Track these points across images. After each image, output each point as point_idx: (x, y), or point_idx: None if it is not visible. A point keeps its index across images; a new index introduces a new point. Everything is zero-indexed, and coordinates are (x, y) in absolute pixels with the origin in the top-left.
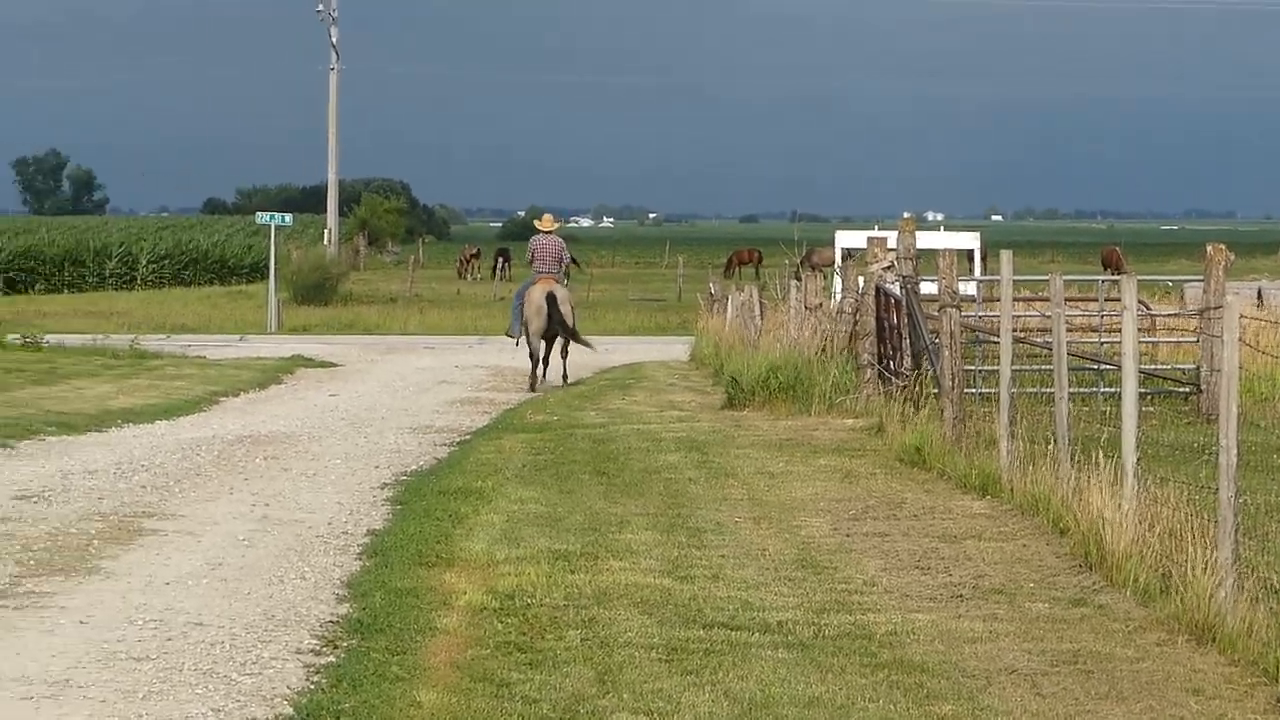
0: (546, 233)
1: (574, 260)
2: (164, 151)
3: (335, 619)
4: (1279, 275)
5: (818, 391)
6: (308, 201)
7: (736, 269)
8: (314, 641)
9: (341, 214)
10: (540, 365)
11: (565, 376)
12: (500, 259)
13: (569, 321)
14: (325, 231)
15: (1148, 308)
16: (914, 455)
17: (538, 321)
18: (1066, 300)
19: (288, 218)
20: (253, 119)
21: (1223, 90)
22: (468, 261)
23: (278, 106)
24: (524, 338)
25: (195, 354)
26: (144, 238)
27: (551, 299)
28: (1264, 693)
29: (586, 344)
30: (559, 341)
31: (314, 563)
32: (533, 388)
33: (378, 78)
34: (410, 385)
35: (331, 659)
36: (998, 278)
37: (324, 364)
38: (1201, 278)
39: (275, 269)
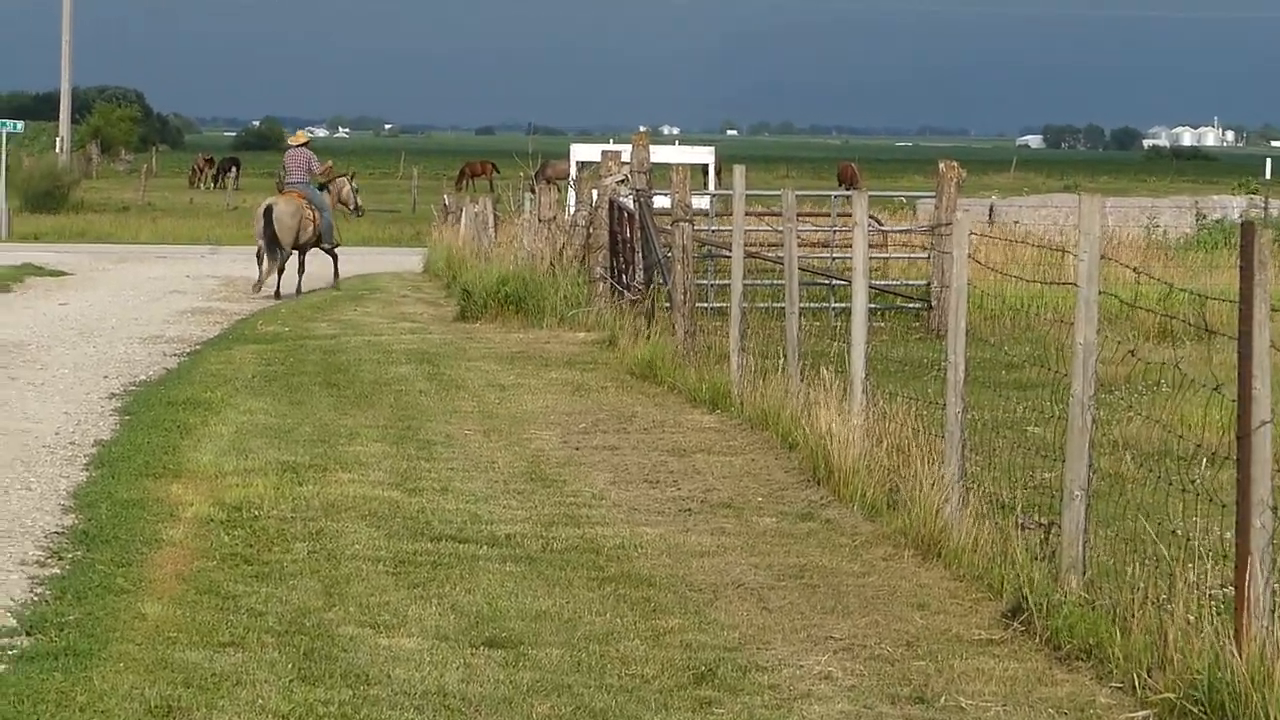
0: (297, 146)
1: (326, 172)
2: None
3: (60, 530)
4: (1010, 193)
5: (550, 305)
6: (40, 108)
7: (469, 181)
8: (39, 553)
9: (75, 122)
10: (272, 274)
11: (299, 289)
12: (231, 168)
13: (282, 237)
14: (57, 139)
15: (880, 223)
16: (645, 369)
17: (256, 228)
18: (800, 215)
19: (19, 124)
20: None
21: (957, 8)
22: (201, 171)
23: (10, 9)
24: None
25: None
26: None
27: (269, 210)
28: (988, 607)
29: (327, 250)
30: (301, 253)
31: (40, 473)
32: (255, 288)
33: None
34: (142, 294)
35: (56, 570)
36: (731, 192)
37: (54, 272)
38: (934, 194)
39: (6, 176)
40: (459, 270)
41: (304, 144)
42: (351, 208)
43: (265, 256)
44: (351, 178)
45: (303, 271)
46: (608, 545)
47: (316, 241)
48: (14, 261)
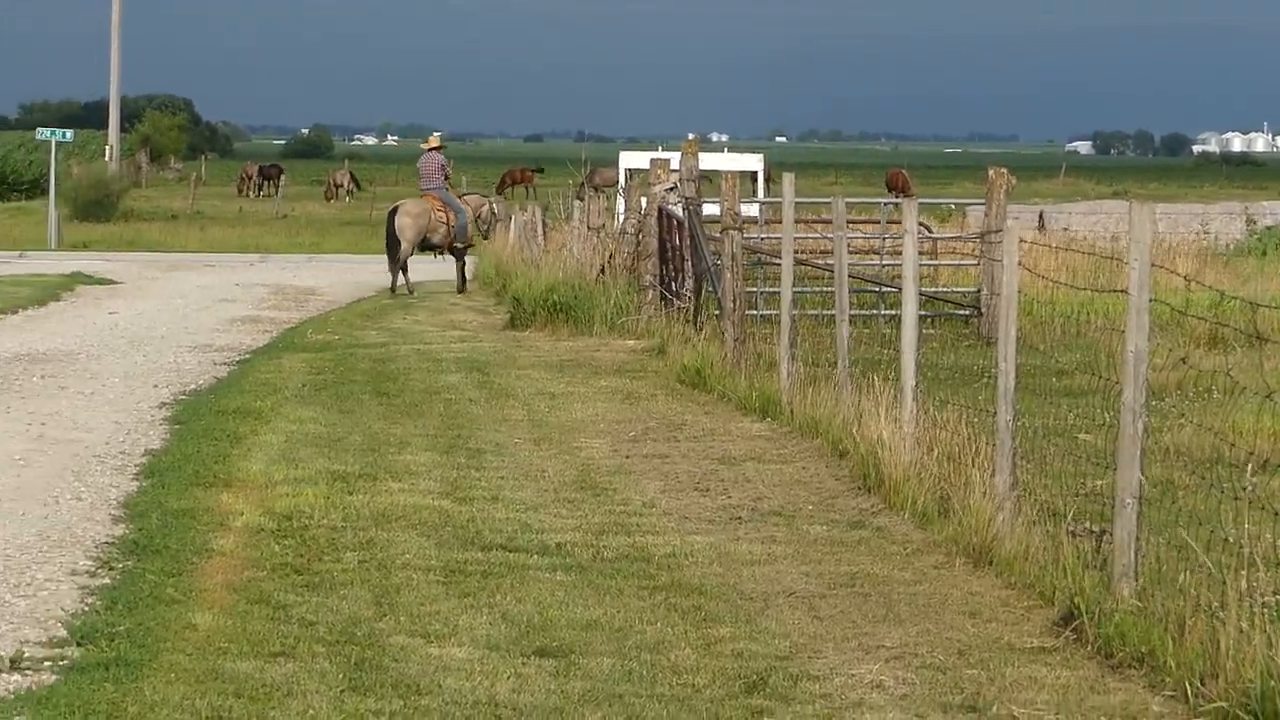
0: (430, 150)
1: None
2: None
3: (111, 540)
4: (1060, 199)
5: (599, 313)
6: (90, 117)
7: (510, 188)
8: (89, 563)
9: (124, 130)
10: (399, 273)
11: (461, 283)
12: (279, 175)
13: (400, 237)
14: (107, 147)
15: (929, 230)
16: (695, 377)
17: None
18: (849, 223)
19: (68, 133)
20: (36, 31)
21: (1007, 18)
22: (249, 179)
23: (61, 19)
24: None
25: None
26: None
27: (393, 213)
28: (1040, 615)
29: (400, 272)
30: (449, 253)
31: (90, 483)
32: (391, 290)
33: None
34: (191, 303)
35: (107, 581)
36: (780, 199)
37: (104, 281)
38: (983, 201)
39: (56, 185)
40: (508, 278)
41: (436, 148)
42: (484, 228)
43: (389, 259)
44: (494, 202)
45: (462, 269)
46: (658, 554)
47: (453, 241)
48: (65, 270)
